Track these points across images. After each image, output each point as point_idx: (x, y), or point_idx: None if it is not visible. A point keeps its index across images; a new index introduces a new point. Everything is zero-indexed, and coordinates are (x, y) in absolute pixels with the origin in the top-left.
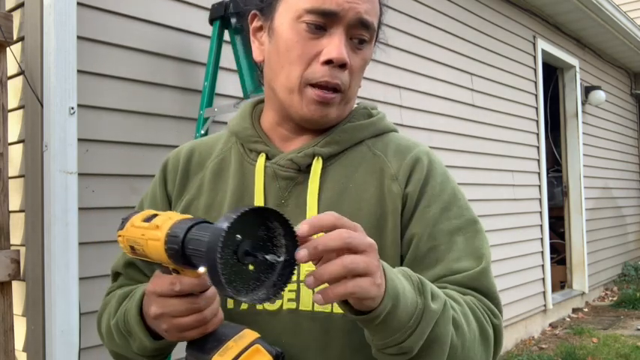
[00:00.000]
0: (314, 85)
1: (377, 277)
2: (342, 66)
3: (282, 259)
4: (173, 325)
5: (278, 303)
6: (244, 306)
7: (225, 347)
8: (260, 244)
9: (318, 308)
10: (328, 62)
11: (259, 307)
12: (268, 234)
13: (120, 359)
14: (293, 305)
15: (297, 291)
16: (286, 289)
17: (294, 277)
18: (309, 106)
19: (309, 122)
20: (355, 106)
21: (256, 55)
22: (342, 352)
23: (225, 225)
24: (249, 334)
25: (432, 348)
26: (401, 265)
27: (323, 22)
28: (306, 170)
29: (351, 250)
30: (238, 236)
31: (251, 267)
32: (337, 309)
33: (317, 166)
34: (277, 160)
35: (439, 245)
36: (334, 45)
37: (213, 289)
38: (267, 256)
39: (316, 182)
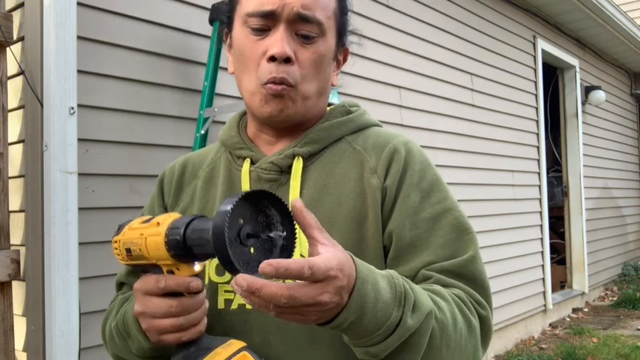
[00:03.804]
0: (266, 84)
1: (311, 318)
2: (287, 61)
3: (284, 234)
4: (151, 325)
5: None
6: (234, 306)
7: (213, 353)
8: (260, 229)
9: None
10: (272, 59)
11: (248, 306)
12: (267, 221)
13: None
14: None
15: None
16: None
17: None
18: (266, 103)
19: (270, 120)
20: (335, 105)
21: (229, 69)
22: (331, 344)
23: (229, 207)
24: (236, 343)
25: (402, 354)
26: (385, 256)
27: (264, 23)
28: (287, 171)
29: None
30: (241, 220)
31: (252, 250)
32: None
33: (297, 166)
34: (260, 163)
35: (423, 233)
36: (274, 41)
37: (198, 299)
38: (271, 234)
39: (297, 182)
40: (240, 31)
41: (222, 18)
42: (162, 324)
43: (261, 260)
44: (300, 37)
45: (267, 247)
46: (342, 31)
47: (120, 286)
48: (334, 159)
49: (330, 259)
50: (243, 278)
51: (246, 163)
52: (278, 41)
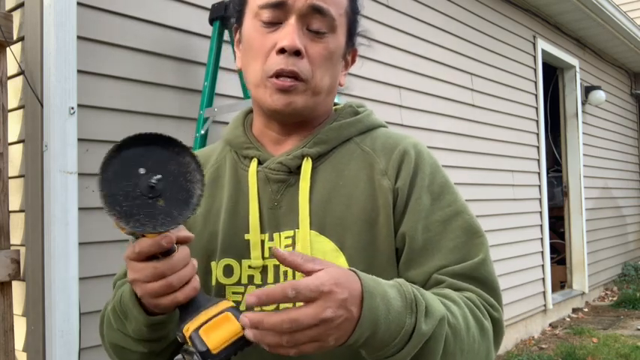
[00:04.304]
0: (272, 76)
1: (328, 340)
2: (297, 54)
3: (199, 177)
4: (144, 290)
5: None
6: (242, 307)
7: (200, 315)
8: (171, 179)
9: None
10: (282, 51)
11: (257, 308)
12: (180, 169)
13: (118, 354)
14: (290, 304)
15: None
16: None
17: (290, 278)
18: (272, 97)
19: (276, 113)
20: (341, 105)
21: (237, 64)
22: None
23: (104, 158)
24: (223, 304)
25: None
26: (397, 259)
27: (276, 16)
28: (296, 172)
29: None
30: (141, 170)
31: (161, 202)
32: None
33: (306, 166)
34: (268, 164)
35: (434, 236)
36: (285, 33)
37: (181, 255)
38: (153, 180)
39: (306, 183)
40: (250, 25)
41: (232, 13)
42: (154, 287)
43: (173, 212)
44: (311, 32)
45: (181, 197)
46: (352, 30)
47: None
48: (343, 160)
49: (321, 276)
50: (246, 315)
51: (254, 163)
52: (289, 34)
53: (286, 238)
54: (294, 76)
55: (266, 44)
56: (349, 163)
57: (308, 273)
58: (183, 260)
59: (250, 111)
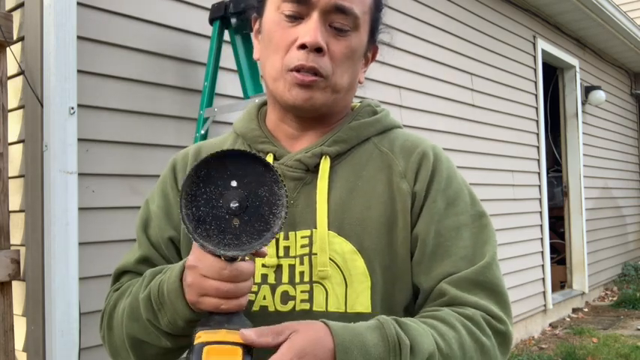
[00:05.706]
0: (292, 70)
1: None
2: (318, 50)
3: (284, 201)
4: (197, 282)
5: (291, 304)
6: (256, 307)
7: (218, 331)
8: (256, 203)
9: (331, 308)
10: (303, 47)
11: (271, 308)
12: (270, 198)
13: (135, 348)
14: (307, 306)
15: (310, 291)
16: (299, 289)
17: (307, 279)
18: (291, 91)
19: (295, 108)
20: (358, 103)
21: (255, 54)
22: None
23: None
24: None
25: None
26: (411, 259)
27: (298, 10)
28: (314, 170)
29: None
30: (234, 182)
31: (236, 222)
32: (351, 308)
33: (325, 165)
34: (285, 160)
35: (445, 242)
36: (308, 29)
37: (248, 269)
38: (233, 204)
39: (325, 182)
40: (271, 17)
41: (253, 2)
42: (208, 284)
43: (243, 238)
44: (334, 29)
45: (262, 215)
46: (374, 27)
47: (119, 276)
48: (361, 160)
49: (284, 352)
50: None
51: (269, 159)
52: (311, 30)
53: (302, 237)
54: (314, 72)
55: (287, 38)
56: (367, 163)
57: (274, 348)
58: (247, 274)
59: (263, 104)
